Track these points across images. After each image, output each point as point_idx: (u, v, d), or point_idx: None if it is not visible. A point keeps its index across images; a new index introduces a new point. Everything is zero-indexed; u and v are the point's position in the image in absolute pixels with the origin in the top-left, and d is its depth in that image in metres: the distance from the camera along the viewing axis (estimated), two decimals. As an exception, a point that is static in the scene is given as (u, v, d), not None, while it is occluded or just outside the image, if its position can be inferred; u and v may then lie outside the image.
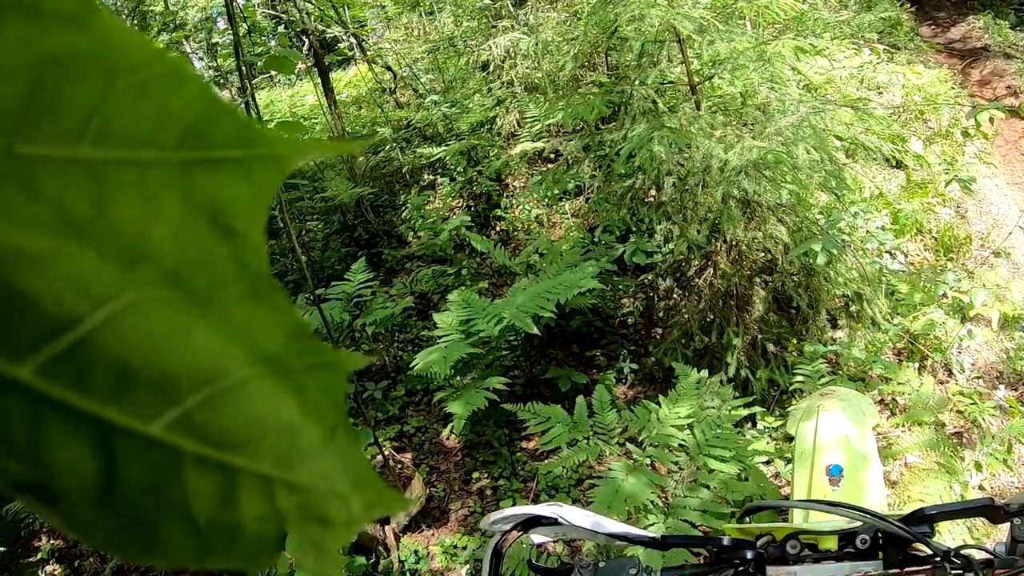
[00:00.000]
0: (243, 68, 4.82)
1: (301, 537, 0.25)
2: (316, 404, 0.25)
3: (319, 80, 7.10)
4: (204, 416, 0.23)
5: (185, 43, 11.73)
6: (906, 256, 5.22)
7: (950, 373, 4.35)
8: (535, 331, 3.64)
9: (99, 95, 0.21)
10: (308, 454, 0.25)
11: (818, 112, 4.21)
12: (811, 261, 4.13)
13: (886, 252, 5.04)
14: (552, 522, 1.57)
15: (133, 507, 0.23)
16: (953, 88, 7.26)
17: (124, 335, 0.22)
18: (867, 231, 5.00)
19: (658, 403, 3.50)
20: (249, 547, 0.24)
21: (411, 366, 4.04)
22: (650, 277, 4.79)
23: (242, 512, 0.24)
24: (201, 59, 13.11)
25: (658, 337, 4.75)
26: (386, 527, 3.81)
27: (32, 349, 0.21)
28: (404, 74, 8.33)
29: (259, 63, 3.37)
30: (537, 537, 1.63)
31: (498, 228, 6.08)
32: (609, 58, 6.17)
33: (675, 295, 4.66)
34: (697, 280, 4.49)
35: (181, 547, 0.24)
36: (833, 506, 1.40)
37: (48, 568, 4.11)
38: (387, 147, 7.03)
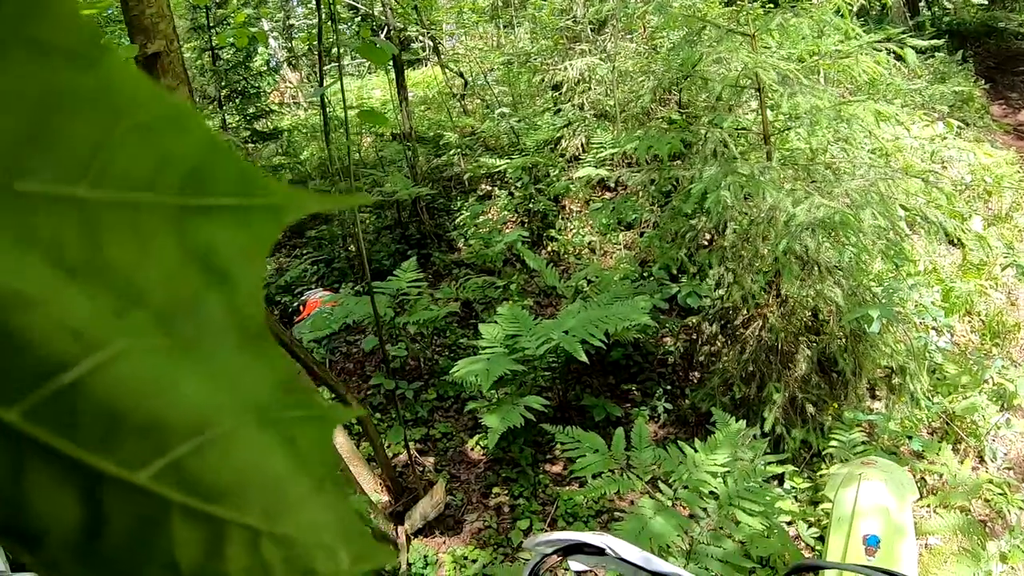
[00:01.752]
0: (321, 53, 4.91)
1: None
2: (305, 456, 0.25)
3: (392, 76, 7.17)
4: (192, 466, 0.23)
5: (264, 21, 11.94)
6: (952, 335, 5.17)
7: (981, 460, 4.30)
8: (583, 358, 3.65)
9: (101, 135, 0.21)
10: (295, 506, 0.25)
11: (886, 179, 4.19)
12: (862, 327, 4.10)
13: (932, 328, 4.99)
14: (598, 551, 1.58)
15: (117, 556, 0.23)
16: (1019, 172, 7.19)
17: (114, 382, 0.22)
18: (918, 305, 4.96)
19: (694, 447, 3.49)
20: None
21: (450, 372, 4.06)
22: (696, 320, 4.78)
23: (228, 564, 0.24)
24: (276, 38, 13.36)
25: (695, 381, 4.74)
26: (399, 527, 3.83)
27: (20, 392, 0.21)
28: (475, 83, 8.38)
29: (352, 49, 3.38)
30: (576, 565, 1.63)
31: (550, 248, 6.10)
32: (682, 94, 6.18)
33: (719, 341, 4.64)
34: (744, 330, 4.47)
35: None
36: (883, 573, 1.41)
37: None
38: (450, 152, 7.07)
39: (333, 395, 3.58)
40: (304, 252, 7.20)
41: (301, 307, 5.71)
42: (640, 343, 4.80)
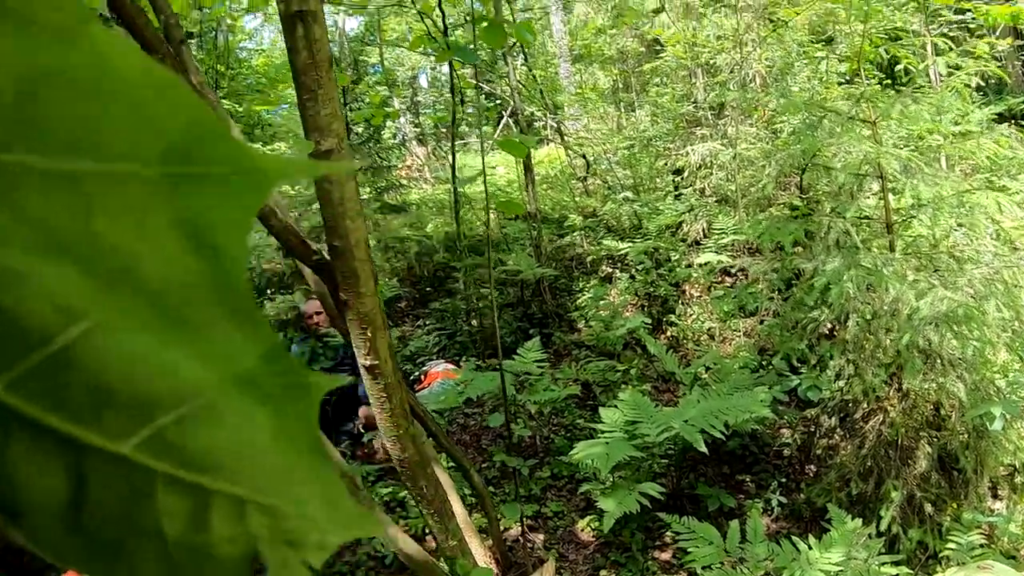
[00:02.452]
0: (454, 136, 5.21)
1: (272, 559, 0.25)
2: (290, 426, 0.25)
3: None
4: (176, 436, 0.23)
5: (395, 99, 12.60)
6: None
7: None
8: (703, 448, 3.71)
9: (87, 108, 0.21)
10: (280, 476, 0.25)
11: (1011, 267, 4.12)
12: (985, 423, 4.00)
13: None
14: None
15: (102, 526, 0.23)
16: None
17: (97, 353, 0.22)
18: None
19: (808, 543, 3.48)
20: (219, 569, 0.24)
21: (567, 452, 4.17)
22: (814, 412, 4.74)
23: (213, 533, 0.24)
24: (404, 114, 14.04)
25: (812, 475, 4.68)
26: (509, 602, 3.91)
27: (4, 365, 0.21)
28: (597, 164, 8.59)
29: (474, 126, 3.58)
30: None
31: (669, 333, 6.16)
32: (803, 178, 6.20)
33: (837, 435, 4.58)
34: (863, 424, 4.41)
35: (149, 568, 0.24)
36: None
37: None
38: (573, 233, 7.25)
39: (454, 465, 3.72)
40: (427, 323, 7.48)
41: (423, 376, 5.92)
42: (757, 434, 4.79)
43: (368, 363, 2.19)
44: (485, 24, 3.20)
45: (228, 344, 0.24)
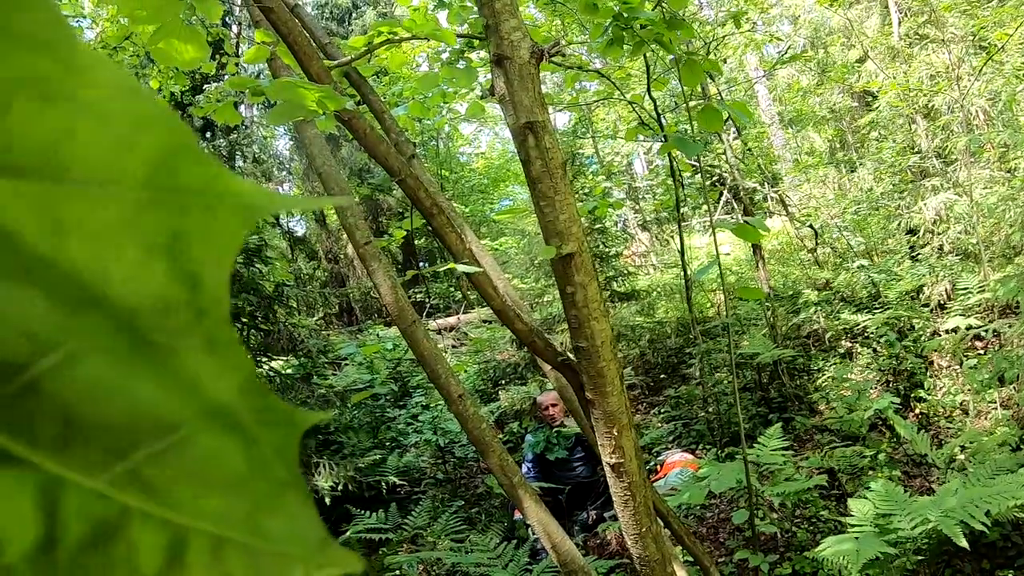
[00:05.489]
0: (680, 221, 5.27)
1: None
2: (267, 461, 0.24)
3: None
4: (152, 471, 0.22)
5: (614, 188, 12.90)
6: None
7: None
8: (963, 543, 3.44)
9: (64, 125, 0.20)
10: (256, 512, 0.24)
11: None
12: None
13: None
14: None
15: (76, 563, 0.22)
16: None
17: (71, 384, 0.21)
18: None
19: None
20: None
21: (812, 548, 3.99)
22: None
23: (189, 572, 0.23)
24: (624, 202, 14.30)
25: (1086, 566, 4.14)
26: None
27: None
28: (824, 232, 8.31)
29: (727, 227, 3.58)
30: None
31: (917, 410, 5.76)
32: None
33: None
34: None
35: None
36: None
37: None
38: (808, 309, 7.03)
39: (692, 560, 3.67)
40: (662, 411, 7.45)
41: (659, 467, 5.89)
42: (1021, 522, 4.33)
43: (613, 461, 2.18)
44: (700, 109, 3.18)
45: (206, 375, 0.23)
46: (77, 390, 0.22)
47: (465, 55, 3.31)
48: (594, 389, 2.11)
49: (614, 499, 2.27)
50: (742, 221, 3.13)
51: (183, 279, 0.23)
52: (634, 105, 4.88)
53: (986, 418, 5.24)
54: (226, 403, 0.24)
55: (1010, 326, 5.04)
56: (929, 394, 5.74)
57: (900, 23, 7.74)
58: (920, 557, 3.88)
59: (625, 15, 3.11)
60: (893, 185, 7.77)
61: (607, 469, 2.22)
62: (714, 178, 8.50)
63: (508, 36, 1.95)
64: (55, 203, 0.21)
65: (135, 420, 0.22)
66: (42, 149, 0.20)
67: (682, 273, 5.60)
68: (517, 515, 5.31)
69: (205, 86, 3.74)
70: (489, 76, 2.22)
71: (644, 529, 2.27)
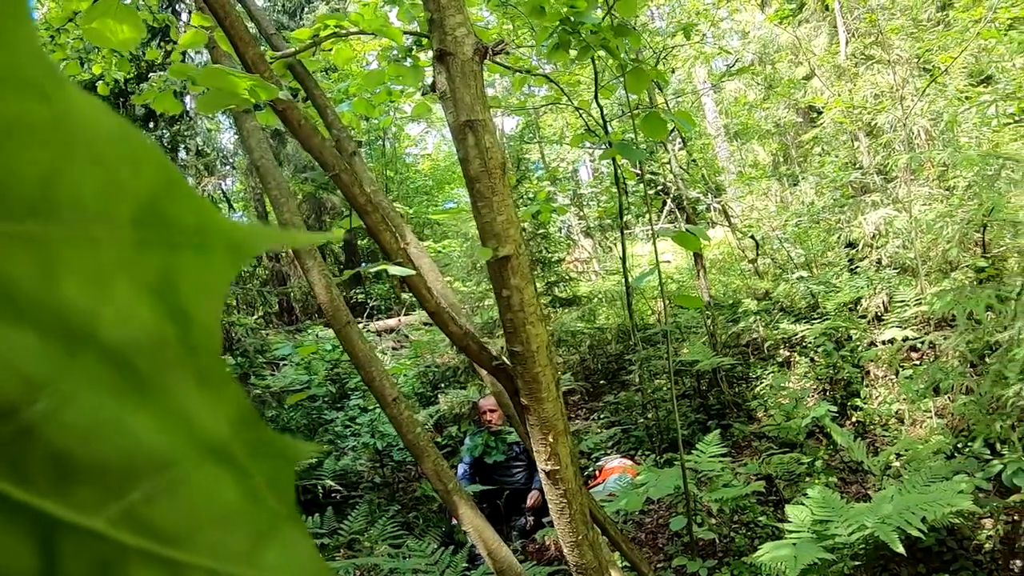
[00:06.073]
0: (622, 225, 5.24)
1: None
2: (262, 494, 0.24)
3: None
4: (148, 509, 0.22)
5: (559, 194, 12.90)
6: None
7: None
8: (900, 549, 3.46)
9: (54, 166, 0.20)
10: (253, 547, 0.24)
11: None
12: None
13: None
14: None
15: None
16: None
17: (65, 425, 0.21)
18: None
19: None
20: None
21: (750, 554, 4.00)
22: (1020, 498, 4.32)
23: None
24: (568, 207, 14.33)
25: (1017, 571, 4.24)
26: None
27: None
28: (765, 243, 8.41)
29: (668, 235, 3.57)
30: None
31: (854, 419, 5.85)
32: (985, 236, 5.81)
33: (1049, 523, 4.15)
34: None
35: None
36: None
37: None
38: (748, 318, 7.10)
39: (632, 570, 3.65)
40: (602, 417, 7.44)
41: (597, 472, 5.88)
42: (955, 527, 4.40)
43: (548, 468, 2.13)
44: (644, 116, 3.15)
45: (199, 412, 0.24)
46: (72, 431, 0.21)
47: (413, 53, 3.24)
48: (529, 395, 2.07)
49: (550, 506, 2.23)
50: (683, 230, 3.11)
51: (174, 316, 0.23)
52: (581, 111, 4.86)
53: (921, 427, 5.33)
54: (219, 438, 0.24)
55: (945, 338, 5.13)
56: (865, 403, 5.82)
57: (847, 43, 7.91)
58: (857, 562, 3.92)
59: (572, 19, 3.07)
60: (834, 200, 7.90)
61: (542, 476, 2.18)
62: (658, 187, 8.55)
63: (452, 32, 1.91)
64: (46, 243, 0.21)
65: (130, 459, 0.22)
66: (33, 190, 0.20)
67: (623, 280, 5.60)
68: (455, 520, 5.24)
69: (151, 74, 3.61)
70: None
71: (580, 537, 2.23)
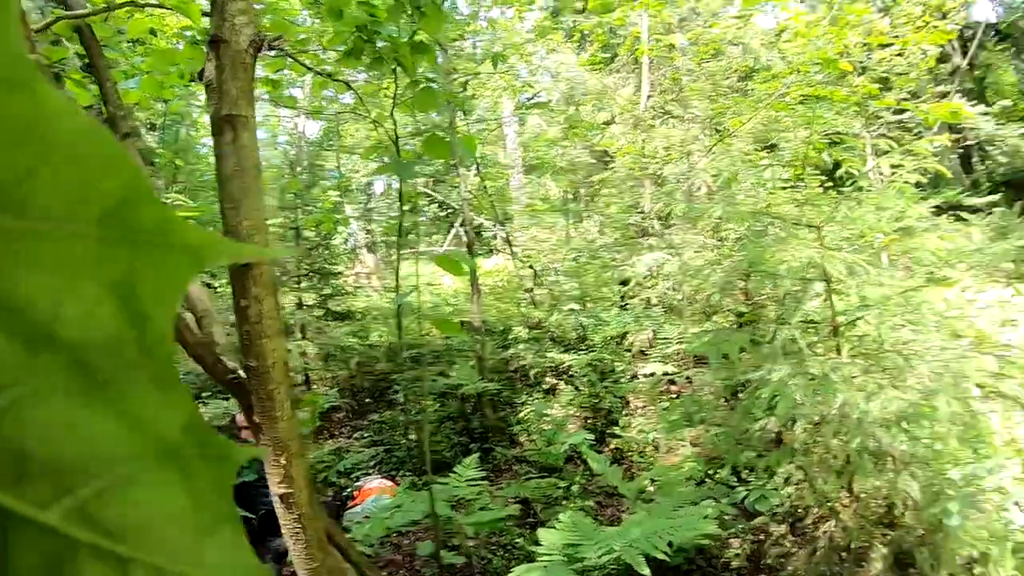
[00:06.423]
0: (400, 246, 5.05)
1: None
2: (206, 495, 0.25)
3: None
4: (99, 506, 0.23)
5: (348, 207, 12.53)
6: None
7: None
8: (646, 572, 3.46)
9: (28, 165, 0.20)
10: (195, 545, 0.24)
11: (959, 359, 4.01)
12: (940, 519, 3.81)
13: (1015, 503, 4.58)
14: None
15: None
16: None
17: (23, 422, 0.21)
18: (998, 486, 4.59)
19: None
20: None
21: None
22: (764, 519, 4.53)
23: None
24: (356, 220, 13.97)
25: (762, 584, 4.43)
26: None
27: None
28: (544, 275, 8.53)
29: (433, 258, 3.50)
30: None
31: (613, 445, 5.94)
32: (748, 284, 6.13)
33: (787, 542, 4.37)
34: (815, 530, 4.22)
35: None
36: None
37: None
38: (518, 345, 7.10)
39: None
40: (365, 435, 7.17)
41: (355, 493, 5.62)
42: (704, 548, 4.53)
43: (281, 491, 1.96)
44: (427, 137, 3.13)
45: (152, 413, 0.23)
46: (31, 428, 0.22)
47: (212, 35, 2.96)
48: (262, 413, 1.90)
49: (283, 531, 2.04)
50: (444, 254, 3.08)
51: (133, 317, 0.23)
52: (376, 124, 4.67)
53: (676, 455, 5.48)
54: (170, 440, 0.24)
55: (702, 374, 5.31)
56: (624, 431, 5.94)
57: (649, 96, 8.25)
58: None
59: (368, 27, 3.02)
60: (615, 239, 8.13)
61: (275, 499, 2.00)
62: (448, 210, 8.49)
63: (231, 18, 1.77)
64: (13, 241, 0.21)
65: (84, 457, 0.22)
66: (4, 187, 0.20)
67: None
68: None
69: None
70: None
71: (317, 564, 2.07)
